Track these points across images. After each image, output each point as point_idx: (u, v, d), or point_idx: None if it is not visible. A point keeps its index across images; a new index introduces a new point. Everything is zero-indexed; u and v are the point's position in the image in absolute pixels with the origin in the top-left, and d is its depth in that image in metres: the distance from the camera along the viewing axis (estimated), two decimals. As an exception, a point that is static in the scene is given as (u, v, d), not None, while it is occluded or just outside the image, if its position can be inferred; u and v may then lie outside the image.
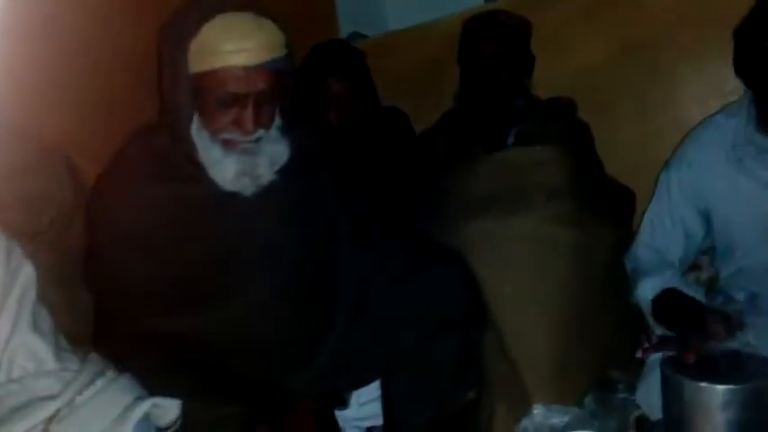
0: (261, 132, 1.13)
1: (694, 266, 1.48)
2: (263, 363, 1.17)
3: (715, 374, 1.02)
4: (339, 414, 1.25)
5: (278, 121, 1.17)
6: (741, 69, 1.19)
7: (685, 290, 1.27)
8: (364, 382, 1.29)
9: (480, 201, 1.49)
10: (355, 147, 1.59)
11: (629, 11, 1.82)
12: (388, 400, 1.26)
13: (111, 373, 0.93)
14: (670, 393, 1.08)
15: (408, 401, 1.22)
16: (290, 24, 1.14)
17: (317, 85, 1.61)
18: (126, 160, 1.18)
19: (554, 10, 1.86)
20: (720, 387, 0.99)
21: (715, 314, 1.14)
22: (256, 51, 1.08)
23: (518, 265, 1.35)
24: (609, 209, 1.52)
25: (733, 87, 1.25)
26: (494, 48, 1.59)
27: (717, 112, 1.33)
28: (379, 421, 1.30)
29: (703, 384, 1.01)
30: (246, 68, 1.08)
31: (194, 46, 1.09)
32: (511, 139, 1.63)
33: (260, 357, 1.17)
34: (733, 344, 1.14)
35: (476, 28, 1.64)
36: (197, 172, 1.14)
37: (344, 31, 2.33)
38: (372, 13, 2.45)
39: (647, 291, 1.30)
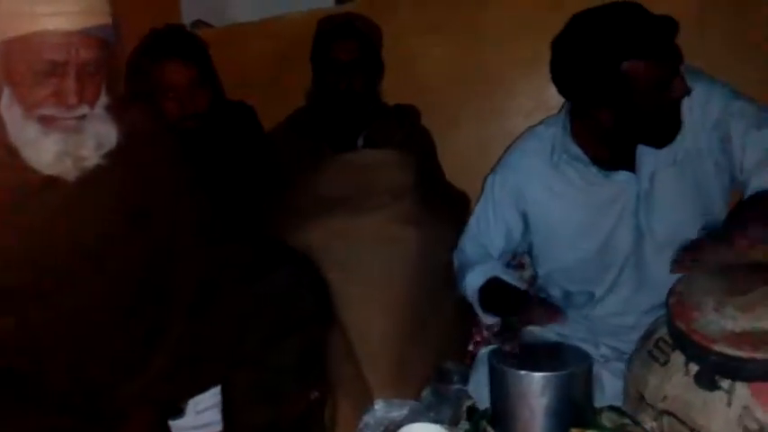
0: (85, 109, 1.02)
1: (518, 265, 1.62)
2: (90, 369, 1.08)
3: (533, 364, 1.12)
4: (173, 424, 1.19)
5: (105, 98, 1.07)
6: (556, 79, 1.29)
7: (506, 277, 1.36)
8: (204, 387, 1.24)
9: (328, 201, 1.50)
10: (198, 141, 1.50)
11: (469, 25, 1.93)
12: (228, 405, 1.22)
13: None
14: (495, 382, 1.16)
15: (250, 404, 1.20)
16: (125, 5, 1.06)
17: (154, 70, 1.47)
18: None
19: (400, 18, 1.92)
20: (537, 375, 1.09)
21: (537, 303, 1.24)
22: (77, 15, 0.97)
23: (364, 265, 1.38)
24: (446, 210, 1.61)
25: (557, 102, 1.38)
26: (349, 53, 1.61)
27: (539, 123, 1.45)
28: (216, 429, 1.25)
29: (523, 373, 1.10)
30: (66, 33, 0.96)
31: (2, 8, 0.96)
32: (360, 142, 1.67)
33: (86, 363, 1.08)
34: (549, 335, 1.27)
35: (331, 30, 1.65)
36: (7, 157, 1.01)
37: (188, 17, 2.22)
38: (219, 2, 2.35)
39: (473, 280, 1.37)
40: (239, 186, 1.58)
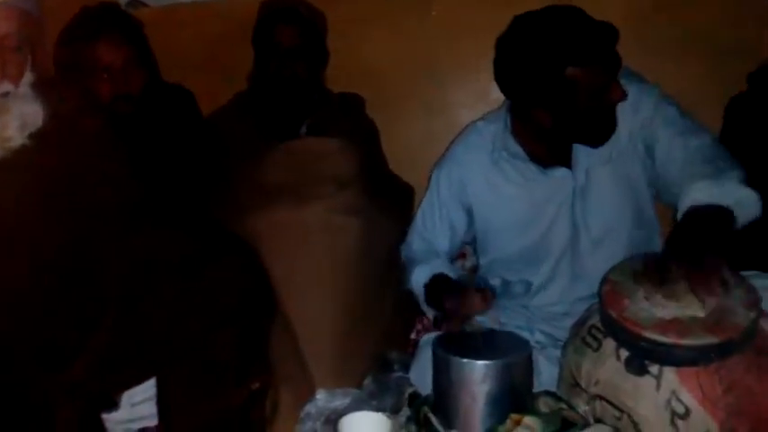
0: (7, 86, 0.96)
1: (460, 255, 1.65)
2: (16, 364, 1.03)
3: (475, 352, 1.15)
4: (107, 417, 1.15)
5: (30, 76, 1.01)
6: (499, 78, 1.31)
7: (452, 275, 1.39)
8: (138, 380, 1.20)
9: (270, 189, 1.48)
10: (132, 124, 1.43)
11: (416, 18, 1.94)
12: (164, 398, 1.19)
13: None
14: (438, 370, 1.18)
15: (187, 398, 1.17)
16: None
17: (85, 49, 1.37)
18: None
19: (346, 5, 1.90)
20: (479, 362, 1.12)
21: (473, 289, 1.26)
22: None
23: (307, 255, 1.37)
24: (391, 201, 1.61)
25: (497, 96, 1.40)
26: (293, 38, 1.58)
27: (480, 118, 1.48)
28: (152, 422, 1.22)
29: (465, 360, 1.13)
30: None
31: None
32: (303, 130, 1.65)
33: (10, 353, 1.02)
34: (489, 324, 1.30)
35: (275, 15, 1.61)
36: None
37: (123, -5, 2.12)
38: (157, -19, 2.25)
39: (419, 277, 1.40)
40: (176, 172, 1.51)
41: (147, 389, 1.23)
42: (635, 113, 1.30)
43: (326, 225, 1.39)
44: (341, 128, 1.61)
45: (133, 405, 1.23)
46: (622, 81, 1.24)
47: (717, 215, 1.09)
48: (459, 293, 1.24)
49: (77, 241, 1.11)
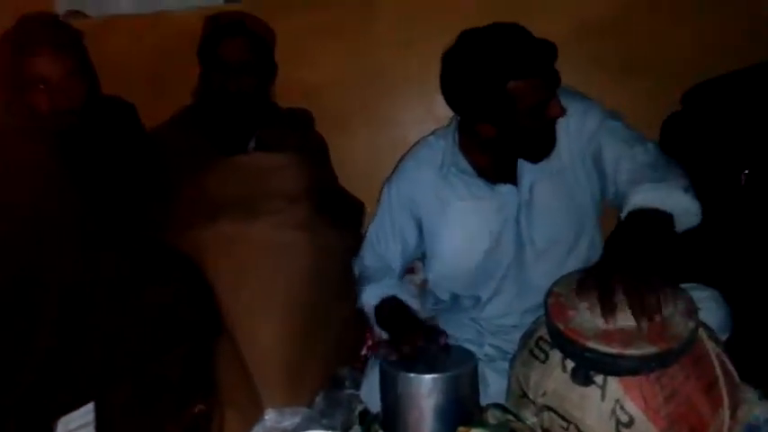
0: None
1: (409, 270, 1.65)
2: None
3: (422, 366, 1.15)
4: (42, 444, 1.09)
5: None
6: (444, 92, 1.33)
7: (402, 296, 1.38)
8: (74, 405, 1.14)
9: (217, 205, 1.45)
10: (72, 138, 1.38)
11: (363, 34, 1.95)
12: (103, 424, 1.13)
13: None
14: (385, 386, 1.18)
15: (127, 423, 1.12)
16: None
17: (22, 61, 1.33)
18: None
19: (293, 20, 1.90)
20: (426, 377, 1.12)
21: (420, 329, 1.25)
22: None
23: (255, 272, 1.34)
24: (341, 217, 1.60)
25: (445, 112, 1.42)
26: (239, 53, 1.56)
27: (430, 134, 1.50)
28: (92, 447, 1.16)
29: (412, 375, 1.13)
30: None
31: None
32: (252, 145, 1.63)
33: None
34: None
35: (221, 29, 1.59)
36: None
37: (61, 7, 2.06)
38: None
39: (370, 298, 1.39)
40: (118, 188, 1.47)
41: (85, 414, 1.17)
42: (580, 129, 1.33)
43: (275, 241, 1.37)
44: (289, 143, 1.60)
45: (70, 431, 1.17)
46: (566, 99, 1.28)
47: (655, 219, 1.12)
48: (416, 336, 1.22)
49: (12, 262, 1.06)
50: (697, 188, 1.22)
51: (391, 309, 1.34)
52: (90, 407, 1.15)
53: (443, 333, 1.23)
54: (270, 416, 1.21)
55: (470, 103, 1.28)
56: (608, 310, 1.01)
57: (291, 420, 1.21)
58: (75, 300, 1.11)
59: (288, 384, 1.27)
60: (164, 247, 1.33)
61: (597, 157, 1.33)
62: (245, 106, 1.57)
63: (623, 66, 1.86)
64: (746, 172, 1.41)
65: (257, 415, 1.22)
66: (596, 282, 1.05)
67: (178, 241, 1.35)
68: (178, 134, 1.62)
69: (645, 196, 1.14)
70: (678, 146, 1.50)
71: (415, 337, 1.20)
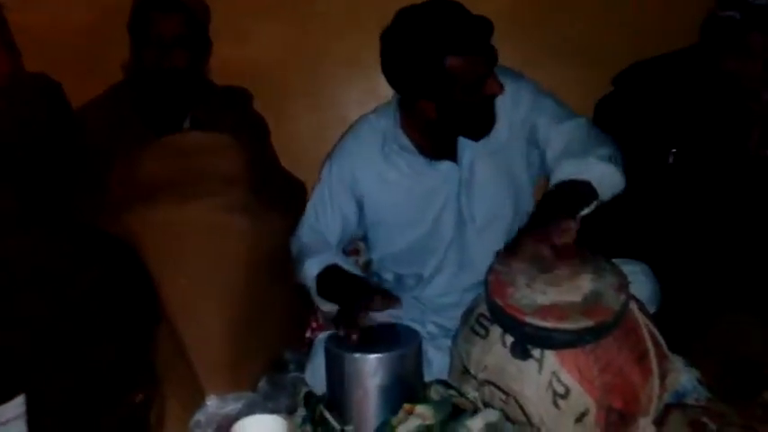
0: None
1: (353, 251, 1.65)
2: None
3: (366, 346, 1.15)
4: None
5: None
6: (385, 70, 1.33)
7: (343, 264, 1.38)
8: (4, 398, 1.09)
9: (152, 187, 1.39)
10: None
11: (301, 10, 1.91)
12: (36, 416, 1.09)
13: None
14: (330, 367, 1.18)
15: (61, 415, 1.08)
16: None
17: None
18: None
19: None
20: (370, 356, 1.13)
21: (375, 291, 1.27)
22: None
23: (193, 255, 1.30)
24: (281, 198, 1.58)
25: (386, 92, 1.42)
26: (172, 28, 1.49)
27: (371, 112, 1.49)
28: (24, 441, 1.11)
29: (356, 355, 1.13)
30: None
31: None
32: (186, 124, 1.57)
33: None
34: (383, 317, 1.31)
35: (154, 2, 1.52)
36: None
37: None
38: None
39: (311, 268, 1.37)
40: (44, 170, 1.39)
41: (15, 407, 1.12)
42: (515, 107, 1.37)
43: (213, 224, 1.33)
44: (226, 122, 1.55)
45: (1, 425, 1.12)
46: (502, 78, 1.30)
47: (574, 188, 1.18)
48: (362, 294, 1.23)
49: None
50: (628, 167, 1.28)
51: (336, 276, 1.34)
52: (20, 399, 1.10)
53: (397, 297, 1.24)
54: (212, 402, 1.19)
55: (409, 79, 1.29)
56: (549, 279, 1.06)
57: (234, 406, 1.19)
58: (2, 286, 1.06)
59: (230, 370, 1.24)
60: (95, 231, 1.28)
61: (532, 134, 1.38)
62: (179, 84, 1.51)
63: (557, 47, 1.89)
64: (674, 151, 1.47)
65: (199, 402, 1.20)
66: (511, 243, 1.10)
67: (111, 225, 1.29)
68: (108, 113, 1.54)
69: (565, 171, 1.21)
70: (610, 126, 1.54)
71: (370, 302, 1.20)
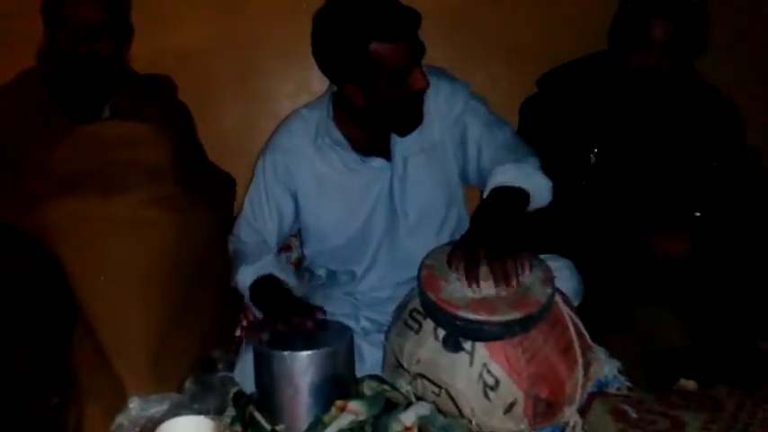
0: None
1: (285, 247, 1.62)
2: None
3: (297, 343, 1.13)
4: None
5: None
6: (315, 54, 1.32)
7: (278, 273, 1.34)
8: None
9: (67, 179, 1.31)
10: None
11: (232, 3, 1.85)
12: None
13: None
14: (259, 365, 1.15)
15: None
16: None
17: None
18: None
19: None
20: (300, 354, 1.11)
21: (295, 306, 1.23)
22: None
23: (114, 252, 1.24)
24: (209, 192, 1.52)
25: (319, 87, 1.40)
26: (90, 12, 1.40)
27: (303, 106, 1.47)
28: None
29: (286, 353, 1.11)
30: None
31: None
32: (106, 113, 1.49)
33: None
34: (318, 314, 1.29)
35: None
36: None
37: None
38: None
39: (246, 276, 1.34)
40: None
41: None
42: (449, 108, 1.39)
43: (136, 219, 1.26)
44: (148, 112, 1.48)
45: None
46: (437, 78, 1.32)
47: (515, 196, 1.21)
48: (288, 312, 1.20)
49: None
50: (552, 167, 1.32)
51: (267, 287, 1.31)
52: None
53: (319, 308, 1.22)
54: (134, 404, 1.14)
55: (336, 63, 1.29)
56: (473, 278, 1.07)
57: (159, 407, 1.14)
58: None
59: (152, 370, 1.19)
60: (8, 227, 1.19)
61: (462, 136, 1.40)
62: (97, 70, 1.43)
63: (482, 49, 1.93)
64: (595, 151, 1.53)
65: (121, 404, 1.14)
66: (463, 253, 1.10)
67: (22, 219, 1.21)
68: (18, 101, 1.44)
69: (507, 175, 1.23)
70: (534, 127, 1.59)
71: (289, 315, 1.18)
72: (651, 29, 1.41)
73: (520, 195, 1.21)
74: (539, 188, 1.25)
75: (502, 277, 1.06)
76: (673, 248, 1.46)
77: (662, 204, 1.52)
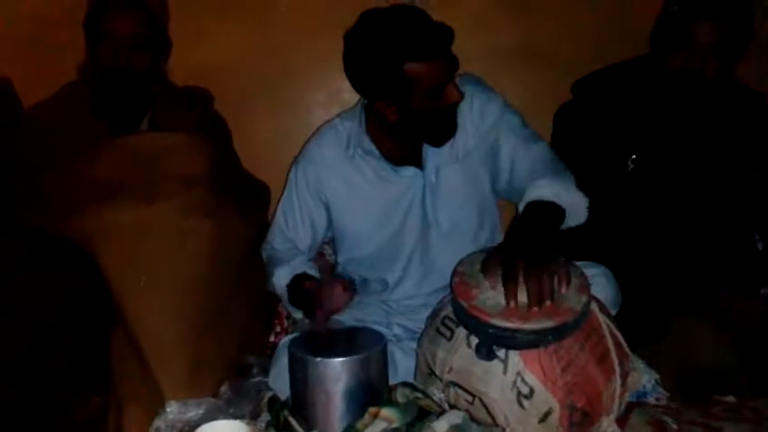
0: None
1: (319, 255, 1.63)
2: None
3: (330, 349, 1.14)
4: None
5: None
6: (348, 73, 1.33)
7: (312, 272, 1.37)
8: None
9: (110, 188, 1.35)
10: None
11: (263, 11, 1.89)
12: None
13: None
14: (295, 371, 1.16)
15: (13, 420, 1.03)
16: None
17: None
18: None
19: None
20: (334, 360, 1.11)
21: (334, 282, 1.26)
22: None
23: (153, 259, 1.27)
24: (244, 201, 1.55)
25: (351, 96, 1.41)
26: (129, 26, 1.46)
27: (336, 116, 1.49)
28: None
29: (319, 359, 1.12)
30: None
31: None
32: (145, 125, 1.53)
33: None
34: (348, 320, 1.30)
35: (108, 1, 1.48)
36: None
37: None
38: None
39: (281, 278, 1.37)
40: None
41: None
42: (482, 119, 1.39)
43: (174, 227, 1.29)
44: (186, 123, 1.52)
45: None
46: (470, 88, 1.32)
47: (551, 212, 1.19)
48: (322, 287, 1.22)
49: None
50: (588, 174, 1.30)
51: (303, 283, 1.33)
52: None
53: (352, 279, 1.24)
54: (172, 408, 1.16)
55: (369, 82, 1.30)
56: (511, 291, 1.05)
57: (195, 411, 1.16)
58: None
59: (190, 375, 1.21)
60: (45, 235, 1.23)
61: (495, 149, 1.39)
62: (136, 83, 1.48)
63: (517, 55, 1.92)
64: (633, 158, 1.51)
65: (158, 407, 1.16)
66: (500, 263, 1.09)
67: (65, 228, 1.25)
68: (63, 112, 1.49)
69: (544, 190, 1.22)
70: (570, 134, 1.58)
71: (330, 294, 1.20)
72: (697, 30, 1.37)
73: (556, 211, 1.20)
74: (575, 206, 1.23)
75: (536, 296, 1.04)
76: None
77: (700, 212, 1.49)
